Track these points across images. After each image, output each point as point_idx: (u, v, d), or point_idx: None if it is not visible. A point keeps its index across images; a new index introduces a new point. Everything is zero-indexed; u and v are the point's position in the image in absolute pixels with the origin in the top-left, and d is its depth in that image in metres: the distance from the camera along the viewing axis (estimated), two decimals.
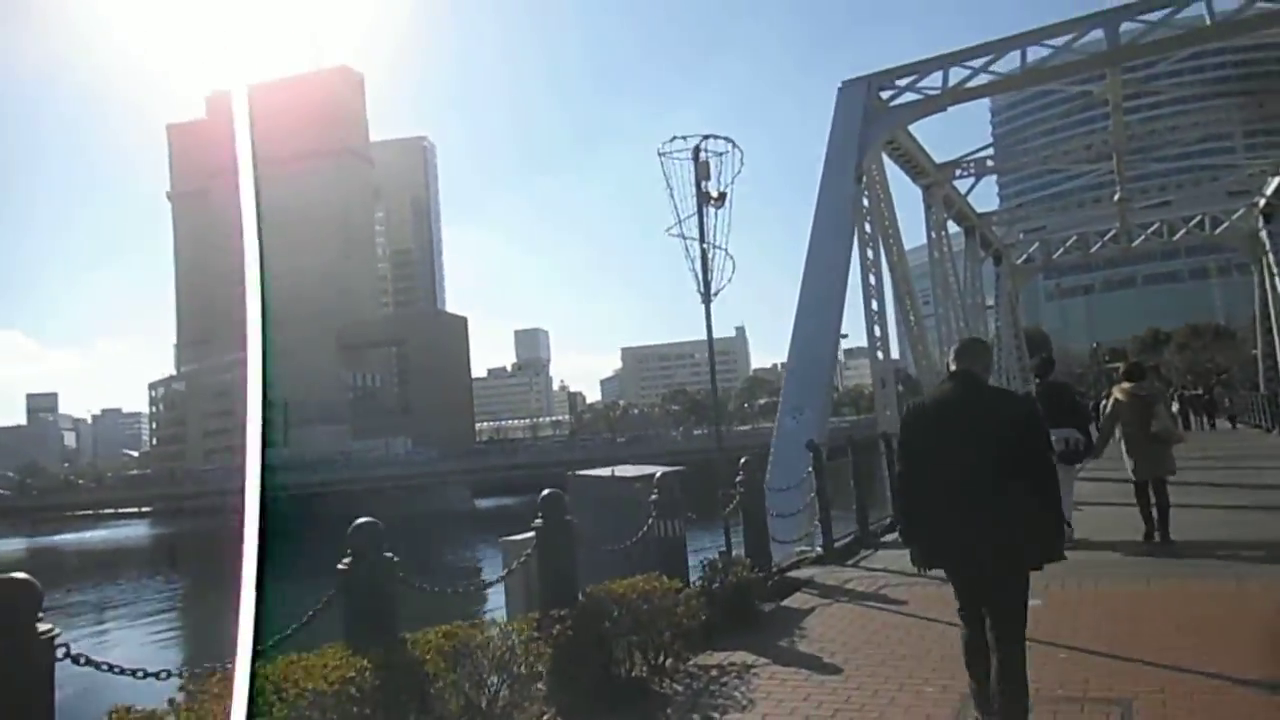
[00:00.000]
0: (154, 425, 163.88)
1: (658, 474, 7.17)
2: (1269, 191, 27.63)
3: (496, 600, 6.51)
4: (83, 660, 3.03)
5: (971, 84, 15.09)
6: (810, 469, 9.26)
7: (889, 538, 10.37)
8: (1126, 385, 9.02)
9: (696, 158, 8.89)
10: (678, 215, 8.91)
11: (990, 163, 22.43)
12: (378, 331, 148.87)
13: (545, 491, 5.80)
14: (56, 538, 78.68)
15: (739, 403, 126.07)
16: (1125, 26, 14.47)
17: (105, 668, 3.25)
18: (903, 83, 15.61)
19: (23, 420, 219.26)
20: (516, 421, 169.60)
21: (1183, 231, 32.18)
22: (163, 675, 3.38)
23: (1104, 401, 11.16)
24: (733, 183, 8.94)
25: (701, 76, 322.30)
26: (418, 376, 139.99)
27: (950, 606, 6.43)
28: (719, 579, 6.73)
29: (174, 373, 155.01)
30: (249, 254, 1.74)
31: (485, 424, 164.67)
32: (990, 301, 31.06)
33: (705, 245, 8.85)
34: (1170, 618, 5.61)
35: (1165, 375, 67.66)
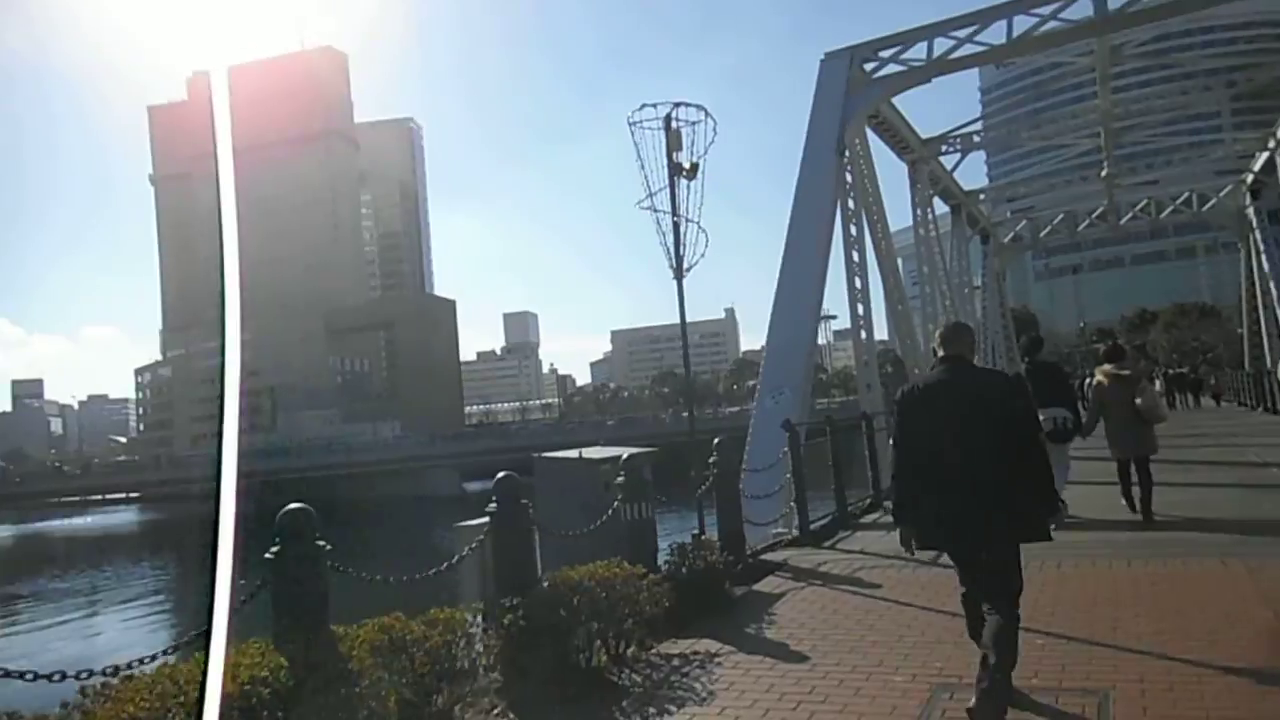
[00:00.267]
0: (141, 411, 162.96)
1: (624, 456, 6.91)
2: (1256, 168, 27.46)
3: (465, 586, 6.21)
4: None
5: (956, 55, 14.76)
6: (786, 450, 8.99)
7: (868, 519, 10.18)
8: (1108, 366, 9.03)
9: (668, 127, 8.56)
10: (648, 187, 8.58)
11: (977, 138, 22.13)
12: (365, 315, 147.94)
13: (500, 474, 5.53)
14: (43, 524, 78.31)
15: (728, 384, 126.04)
16: None
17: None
18: (886, 54, 15.26)
19: (8, 407, 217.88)
20: (506, 405, 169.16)
21: (1170, 209, 32.01)
22: (55, 678, 3.09)
23: (1088, 381, 11.04)
24: (705, 153, 8.62)
25: (700, 49, 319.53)
26: (406, 360, 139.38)
27: (925, 590, 6.25)
28: (687, 564, 6.49)
29: (160, 358, 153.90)
30: (227, 239, 1.74)
31: (474, 407, 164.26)
32: (977, 281, 30.90)
33: (677, 218, 8.54)
34: (1152, 601, 5.39)
35: (1152, 354, 67.96)
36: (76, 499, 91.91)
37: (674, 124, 8.57)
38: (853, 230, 15.54)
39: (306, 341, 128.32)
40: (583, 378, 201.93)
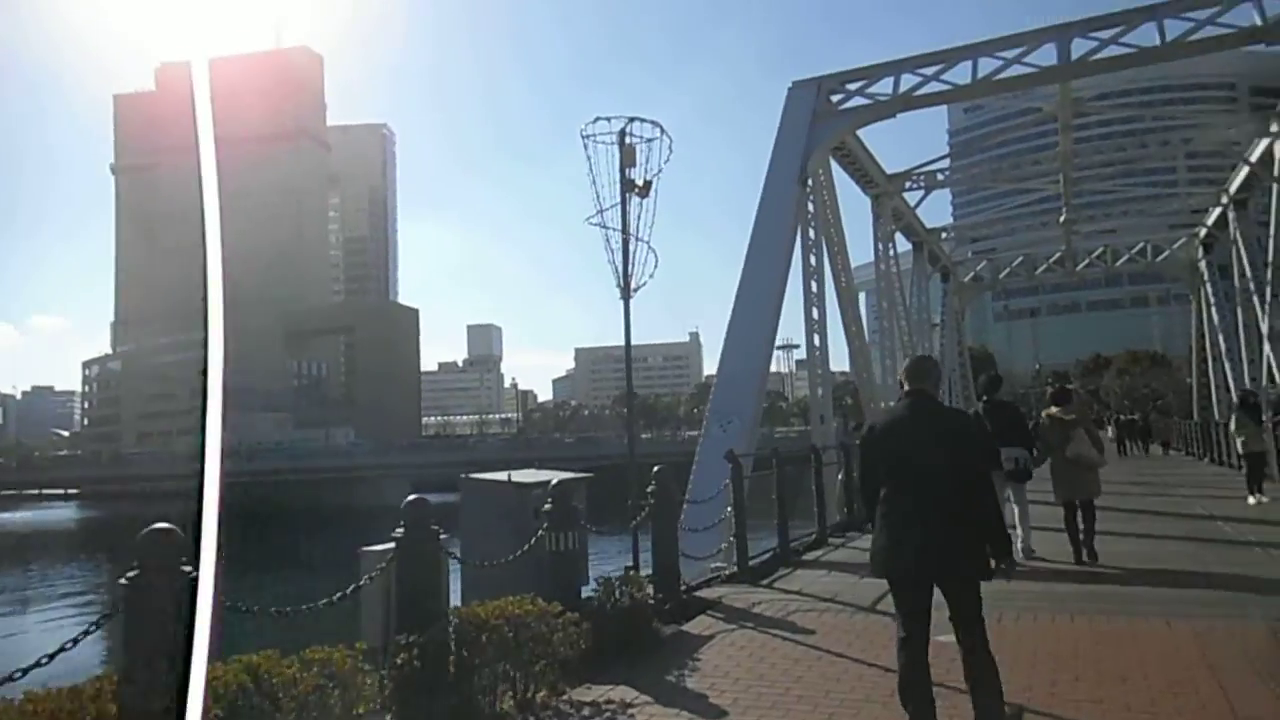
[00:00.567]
0: (86, 405, 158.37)
1: (553, 481, 6.54)
2: (1209, 222, 28.05)
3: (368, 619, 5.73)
4: None
5: (922, 91, 14.76)
6: (728, 481, 8.68)
7: (811, 555, 9.90)
8: (1053, 409, 9.12)
9: (622, 142, 8.27)
10: (599, 203, 8.26)
11: (940, 176, 22.26)
12: (326, 319, 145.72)
13: (411, 496, 5.13)
14: None
15: (689, 408, 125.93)
16: (1077, 43, 14.31)
17: None
18: (853, 87, 15.22)
19: None
20: (465, 417, 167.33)
21: (1125, 258, 32.62)
22: None
23: (1039, 422, 11.07)
24: (660, 171, 8.34)
25: (672, 81, 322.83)
26: (365, 367, 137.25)
27: (859, 639, 5.94)
28: (612, 601, 6.12)
29: (110, 352, 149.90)
30: (210, 235, 1.73)
31: (432, 418, 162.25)
32: (937, 319, 31.10)
33: (627, 236, 8.23)
34: (1094, 662, 5.13)
35: (1104, 399, 69.23)
36: (13, 492, 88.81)
37: (628, 139, 8.28)
38: (812, 260, 15.41)
39: (264, 342, 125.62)
40: (545, 394, 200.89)
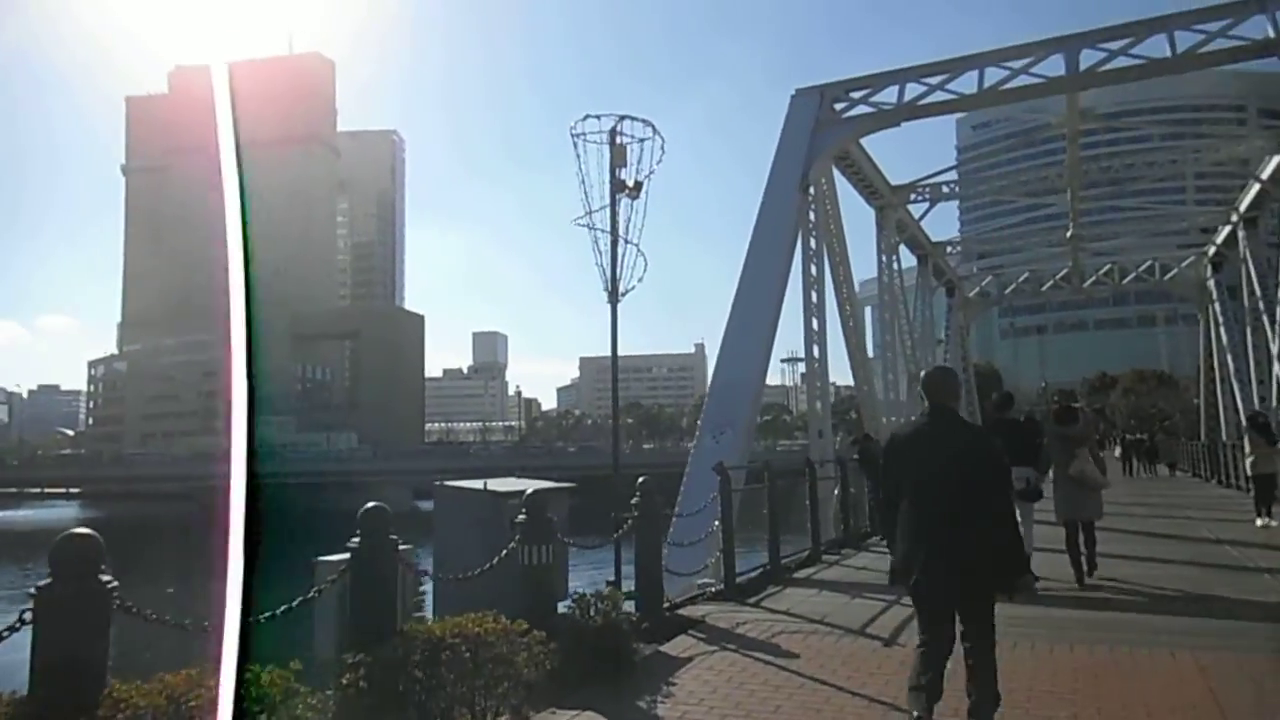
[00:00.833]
0: (91, 405, 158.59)
1: (528, 491, 6.24)
2: (1219, 241, 27.70)
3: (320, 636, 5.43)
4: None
5: (927, 100, 14.48)
6: (715, 494, 8.37)
7: (803, 573, 9.58)
8: (1056, 427, 8.96)
9: (613, 141, 8.01)
10: (587, 205, 7.99)
11: (946, 188, 21.96)
12: (332, 323, 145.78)
13: (369, 505, 4.85)
14: None
15: (692, 419, 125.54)
16: (1085, 54, 14.04)
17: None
18: (857, 95, 14.95)
19: None
20: (468, 424, 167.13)
21: (1133, 276, 32.23)
22: None
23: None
24: (652, 172, 8.08)
25: (681, 95, 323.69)
26: (370, 372, 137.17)
27: (844, 665, 5.62)
28: (587, 618, 5.81)
29: (116, 351, 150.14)
30: (231, 238, 1.79)
31: (436, 425, 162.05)
32: (941, 335, 30.75)
33: (616, 238, 7.96)
34: (1094, 697, 4.80)
35: (1110, 418, 68.68)
36: (14, 490, 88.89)
37: (619, 139, 8.02)
38: (813, 270, 15.12)
39: (269, 345, 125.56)
40: (549, 402, 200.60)
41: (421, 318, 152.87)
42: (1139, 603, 7.63)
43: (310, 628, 4.93)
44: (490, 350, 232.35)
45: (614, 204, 7.99)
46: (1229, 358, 27.23)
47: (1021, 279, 32.99)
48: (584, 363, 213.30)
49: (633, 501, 7.27)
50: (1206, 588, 8.17)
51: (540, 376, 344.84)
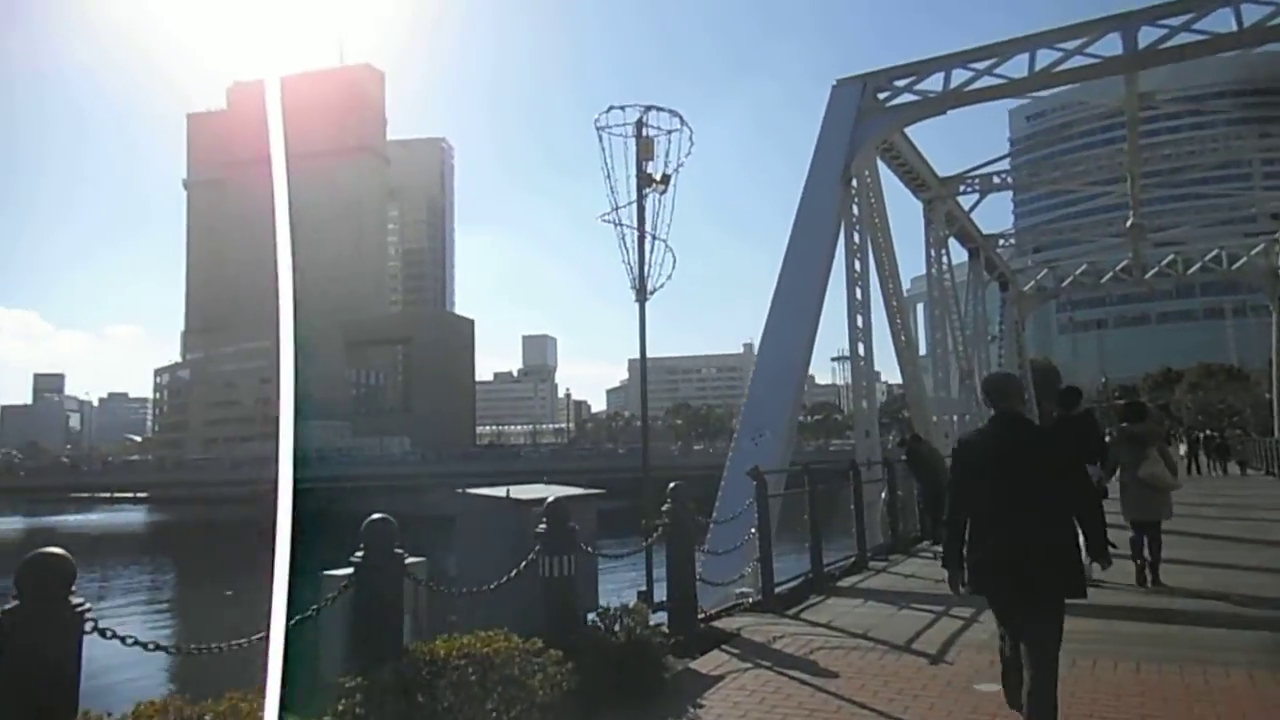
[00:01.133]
0: (157, 412, 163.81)
1: (550, 498, 5.96)
2: None
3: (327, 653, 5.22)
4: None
5: (974, 86, 13.85)
6: (752, 499, 8.00)
7: (847, 581, 9.15)
8: (1124, 425, 8.63)
9: (639, 133, 7.71)
10: (613, 201, 7.71)
11: (997, 179, 21.16)
12: (384, 329, 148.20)
13: (373, 516, 4.62)
14: (55, 519, 78.20)
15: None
16: (1144, 31, 13.28)
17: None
18: (901, 83, 14.37)
19: (29, 399, 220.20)
20: (518, 427, 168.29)
21: (1198, 266, 30.75)
22: None
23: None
24: (680, 165, 7.76)
25: (724, 93, 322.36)
26: (421, 376, 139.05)
27: (887, 686, 5.21)
28: (613, 634, 5.51)
29: (180, 360, 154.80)
30: (280, 247, 1.82)
31: (487, 428, 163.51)
32: (995, 330, 29.75)
33: (644, 234, 7.66)
34: None
35: (1176, 414, 66.08)
36: (87, 495, 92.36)
37: (645, 130, 7.72)
38: (857, 265, 14.61)
39: (324, 351, 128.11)
40: (598, 405, 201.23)
41: (471, 322, 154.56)
42: (1212, 616, 7.04)
43: (316, 646, 4.72)
44: (540, 354, 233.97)
45: (640, 198, 7.68)
46: None
47: (1079, 271, 31.73)
48: (632, 365, 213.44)
49: (663, 508, 6.95)
50: None
51: (589, 379, 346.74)
